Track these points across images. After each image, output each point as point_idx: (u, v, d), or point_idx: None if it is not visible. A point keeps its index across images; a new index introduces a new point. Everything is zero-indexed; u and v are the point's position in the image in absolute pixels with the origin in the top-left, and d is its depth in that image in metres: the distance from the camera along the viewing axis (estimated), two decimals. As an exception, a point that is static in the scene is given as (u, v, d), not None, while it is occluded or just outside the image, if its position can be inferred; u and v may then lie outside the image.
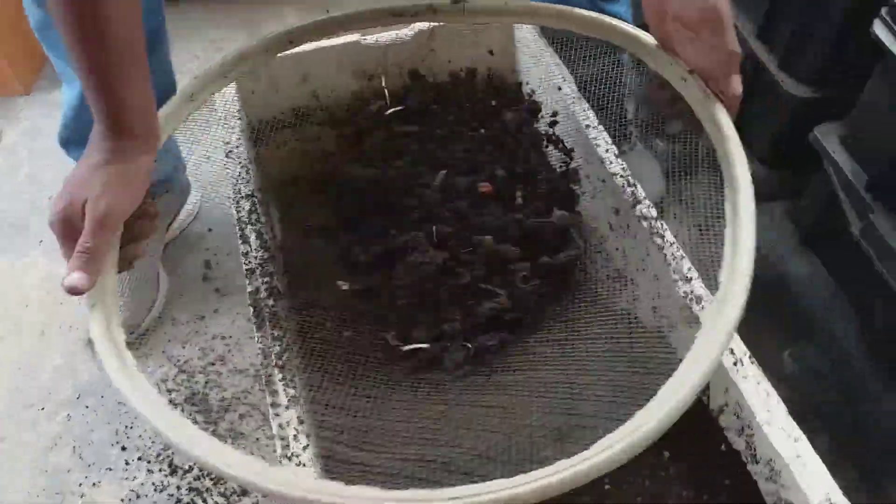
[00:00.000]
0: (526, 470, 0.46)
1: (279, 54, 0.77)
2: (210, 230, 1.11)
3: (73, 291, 0.52)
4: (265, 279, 0.69)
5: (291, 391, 0.61)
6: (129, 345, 0.93)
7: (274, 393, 0.61)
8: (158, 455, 0.87)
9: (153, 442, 0.88)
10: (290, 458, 0.58)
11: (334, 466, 0.60)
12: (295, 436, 0.58)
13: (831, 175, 0.83)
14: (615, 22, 0.75)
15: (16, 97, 1.36)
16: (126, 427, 0.89)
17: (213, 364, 0.95)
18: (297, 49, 0.92)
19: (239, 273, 1.04)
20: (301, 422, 0.59)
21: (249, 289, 0.68)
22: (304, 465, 0.57)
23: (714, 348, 0.53)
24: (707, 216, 0.85)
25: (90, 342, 0.94)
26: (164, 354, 0.96)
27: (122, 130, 0.55)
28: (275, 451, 0.58)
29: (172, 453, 0.86)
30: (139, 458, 0.87)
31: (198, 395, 0.91)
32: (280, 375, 0.61)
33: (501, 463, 0.60)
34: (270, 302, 0.67)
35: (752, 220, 0.59)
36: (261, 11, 1.53)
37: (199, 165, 1.00)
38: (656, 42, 0.71)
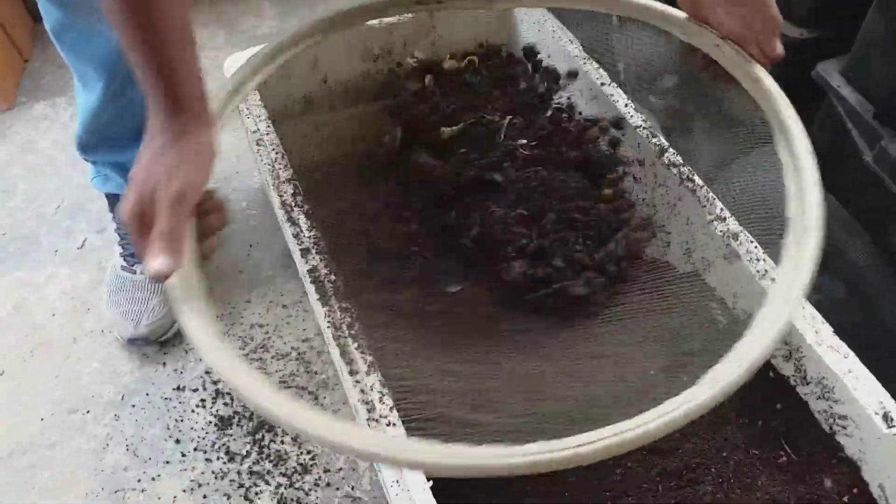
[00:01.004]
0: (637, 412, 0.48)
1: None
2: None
3: (159, 277, 0.50)
4: (321, 256, 0.70)
5: (369, 357, 0.63)
6: (166, 342, 0.96)
7: (351, 362, 0.63)
8: (214, 444, 0.88)
9: (206, 432, 0.89)
10: (377, 421, 0.60)
11: (432, 428, 0.61)
12: (381, 398, 0.60)
13: (837, 108, 0.87)
14: (646, 1, 0.77)
15: (0, 112, 1.34)
16: (176, 421, 0.90)
17: (254, 351, 0.96)
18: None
19: (264, 263, 1.06)
20: (383, 385, 0.61)
21: (307, 267, 0.70)
22: (393, 424, 0.59)
23: (802, 279, 0.55)
24: (711, 167, 0.89)
25: (128, 342, 0.96)
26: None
27: (180, 108, 0.54)
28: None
29: (228, 440, 0.88)
30: (195, 449, 0.88)
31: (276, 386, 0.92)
32: (356, 344, 0.63)
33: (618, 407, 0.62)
34: (332, 277, 0.68)
35: (812, 158, 0.62)
36: (238, 6, 1.53)
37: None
38: (685, 15, 0.73)
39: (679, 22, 0.74)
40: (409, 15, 0.99)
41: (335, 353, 0.64)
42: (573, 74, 0.95)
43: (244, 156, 1.16)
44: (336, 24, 0.78)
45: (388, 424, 0.59)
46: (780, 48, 0.68)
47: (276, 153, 0.81)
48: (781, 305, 0.53)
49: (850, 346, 0.69)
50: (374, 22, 0.98)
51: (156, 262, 0.50)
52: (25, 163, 1.25)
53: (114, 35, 0.75)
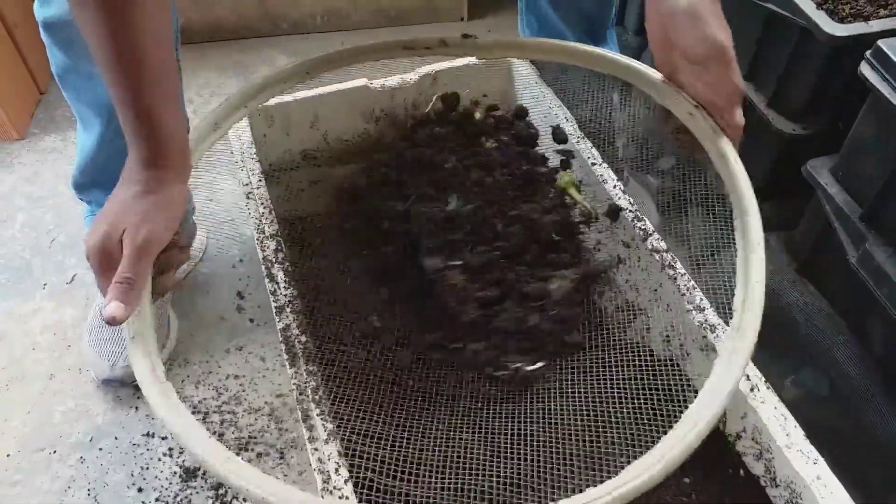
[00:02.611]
0: (556, 499, 0.49)
1: (297, 84, 0.80)
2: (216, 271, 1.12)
3: (113, 321, 0.52)
4: (295, 316, 0.70)
5: (329, 425, 0.62)
6: (139, 387, 0.95)
7: (311, 427, 0.62)
8: (176, 496, 0.87)
9: (170, 483, 0.88)
10: (331, 492, 0.59)
11: (375, 497, 0.61)
12: (336, 469, 0.59)
13: (825, 206, 0.87)
14: (622, 57, 0.80)
15: (10, 142, 1.36)
16: (142, 468, 0.89)
17: (227, 403, 0.95)
18: (308, 93, 0.96)
19: (249, 313, 1.06)
20: (341, 455, 0.60)
21: (280, 325, 0.70)
22: (346, 497, 0.58)
23: (734, 372, 0.56)
24: (702, 248, 0.89)
25: (102, 383, 0.95)
26: (179, 395, 0.95)
27: (158, 160, 0.56)
28: (315, 485, 0.59)
29: (191, 493, 0.86)
30: (156, 500, 0.86)
31: (214, 435, 0.91)
32: (318, 410, 0.63)
33: (534, 490, 0.62)
34: (303, 338, 0.68)
35: (762, 247, 0.63)
36: (251, 55, 1.57)
37: (203, 206, 1.01)
38: (662, 77, 0.75)
39: (656, 85, 0.75)
40: (412, 80, 1.01)
41: (299, 416, 0.64)
42: (568, 158, 0.96)
43: (239, 203, 1.17)
44: (318, 67, 0.81)
45: (342, 497, 0.58)
46: (739, 118, 0.69)
47: (264, 207, 0.81)
48: (699, 410, 0.53)
49: (827, 444, 0.68)
50: (377, 84, 1.01)
51: (111, 307, 0.52)
52: (28, 194, 1.27)
53: None
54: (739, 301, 0.61)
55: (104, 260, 0.54)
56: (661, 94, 0.75)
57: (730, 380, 0.56)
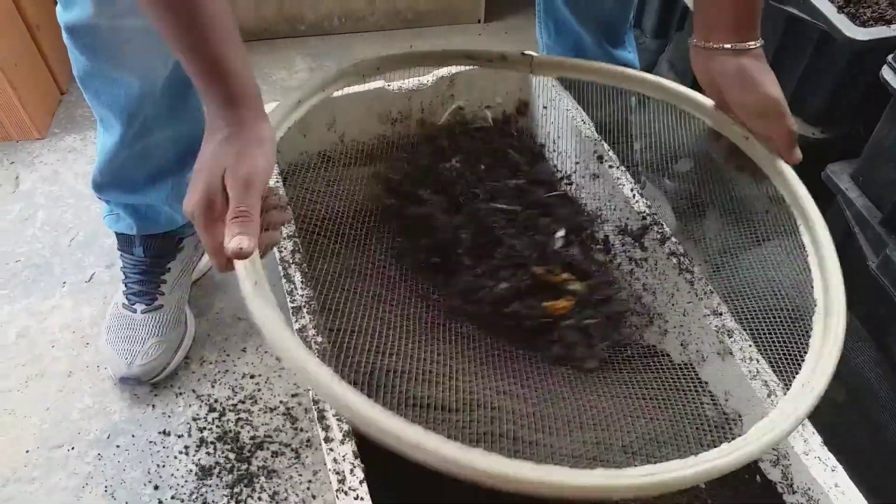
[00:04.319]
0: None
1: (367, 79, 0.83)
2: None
3: (239, 254, 0.51)
4: (312, 316, 0.70)
5: (345, 426, 0.62)
6: (158, 384, 0.96)
7: (327, 427, 0.62)
8: (192, 494, 0.87)
9: (186, 481, 0.88)
10: (346, 493, 0.59)
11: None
12: (352, 469, 0.60)
13: (845, 211, 0.87)
14: (676, 86, 0.82)
15: (31, 141, 1.38)
16: (158, 466, 0.90)
17: (243, 402, 0.96)
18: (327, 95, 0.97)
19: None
20: (356, 455, 0.61)
21: (297, 326, 0.70)
22: (361, 498, 0.58)
23: (833, 353, 0.59)
24: (719, 251, 0.88)
25: (120, 381, 0.96)
26: (195, 394, 0.97)
27: (235, 101, 0.56)
28: (330, 485, 0.60)
29: (206, 491, 0.87)
30: (172, 497, 0.87)
31: (229, 434, 0.92)
32: (333, 411, 0.63)
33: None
34: (319, 339, 0.68)
35: (831, 244, 0.67)
36: (269, 56, 1.57)
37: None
38: (715, 104, 0.77)
39: (710, 112, 0.78)
40: (429, 82, 1.02)
41: (314, 415, 0.64)
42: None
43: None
44: (387, 65, 0.84)
45: (357, 498, 0.58)
46: (798, 155, 0.73)
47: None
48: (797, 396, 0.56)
49: (844, 451, 0.67)
50: (394, 87, 1.01)
51: (235, 240, 0.51)
52: (49, 193, 1.28)
53: (135, 80, 0.79)
54: (821, 309, 0.63)
55: (210, 211, 0.53)
56: (716, 121, 0.77)
57: (831, 359, 0.58)
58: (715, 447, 0.51)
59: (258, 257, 0.54)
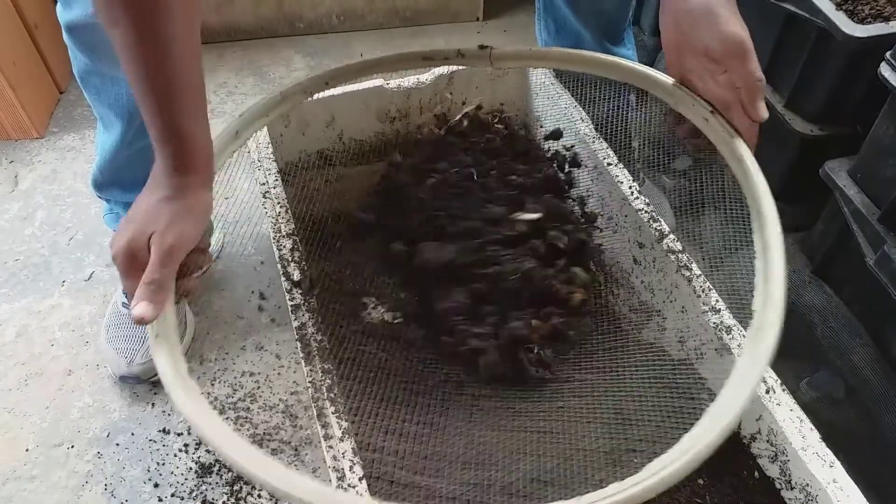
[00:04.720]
0: (581, 492, 0.49)
1: (315, 95, 0.81)
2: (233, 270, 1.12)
3: (141, 321, 0.54)
4: (311, 314, 0.71)
5: (344, 423, 0.62)
6: (158, 383, 0.96)
7: (326, 425, 0.62)
8: (192, 492, 0.87)
9: (186, 479, 0.89)
10: (346, 490, 0.59)
11: (394, 491, 0.61)
12: (351, 466, 0.60)
13: (843, 208, 0.87)
14: (634, 64, 0.80)
15: (30, 141, 1.38)
16: (158, 464, 0.90)
17: (243, 400, 0.96)
18: (325, 93, 0.97)
19: (263, 311, 1.07)
20: (355, 453, 0.61)
21: (296, 324, 0.70)
22: (360, 495, 0.59)
23: (754, 373, 0.56)
24: (718, 249, 0.89)
25: (119, 379, 0.96)
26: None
27: (184, 167, 0.57)
28: (330, 482, 0.60)
29: (206, 489, 0.87)
30: (172, 495, 0.87)
31: (237, 432, 0.92)
32: (332, 408, 0.63)
33: (558, 486, 0.62)
34: (318, 336, 0.68)
35: (782, 248, 0.62)
36: (268, 54, 1.57)
37: (219, 205, 1.02)
38: (675, 81, 0.75)
39: (668, 89, 0.75)
40: (427, 80, 1.02)
41: (314, 413, 0.64)
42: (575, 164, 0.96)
43: (256, 202, 1.18)
44: (336, 78, 0.82)
45: (357, 495, 0.58)
46: (763, 111, 0.68)
47: (281, 207, 0.82)
48: (721, 408, 0.53)
49: (842, 447, 0.68)
50: (393, 85, 1.01)
51: (140, 307, 0.54)
52: (47, 192, 1.28)
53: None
54: (760, 302, 0.61)
55: (131, 262, 0.55)
56: (676, 100, 0.75)
57: (751, 380, 0.56)
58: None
59: (171, 309, 0.58)
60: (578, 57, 0.84)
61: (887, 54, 0.79)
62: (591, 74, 0.86)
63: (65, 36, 0.75)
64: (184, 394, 0.54)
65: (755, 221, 0.66)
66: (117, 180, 0.93)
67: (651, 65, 1.29)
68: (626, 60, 0.81)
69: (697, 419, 0.54)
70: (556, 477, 0.62)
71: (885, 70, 0.79)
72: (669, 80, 0.75)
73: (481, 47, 0.86)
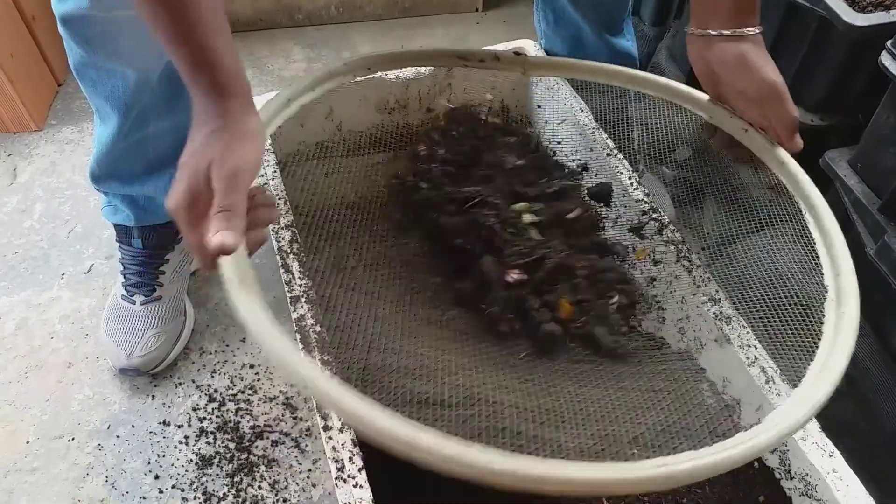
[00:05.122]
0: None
1: (358, 77, 0.84)
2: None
3: (222, 250, 0.49)
4: (310, 306, 0.70)
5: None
6: (158, 375, 0.97)
7: (326, 416, 0.63)
8: (192, 483, 0.87)
9: (186, 470, 0.89)
10: (345, 481, 0.59)
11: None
12: (350, 457, 0.60)
13: (843, 198, 0.86)
14: (675, 84, 0.82)
15: (28, 133, 1.37)
16: (158, 456, 0.90)
17: (242, 392, 0.96)
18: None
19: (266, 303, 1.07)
20: (355, 443, 0.61)
21: (295, 315, 0.70)
22: (360, 486, 0.59)
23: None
24: (717, 239, 0.88)
25: (119, 372, 0.96)
26: (195, 384, 0.97)
27: (223, 92, 0.54)
28: (329, 473, 0.60)
29: (207, 481, 0.87)
30: (173, 487, 0.87)
31: (229, 424, 0.92)
32: (332, 401, 0.63)
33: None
34: (318, 328, 0.68)
35: (843, 240, 0.66)
36: (267, 46, 1.57)
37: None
38: (710, 98, 0.77)
39: (706, 106, 0.78)
40: (426, 71, 1.01)
41: (314, 405, 0.64)
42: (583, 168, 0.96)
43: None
44: (380, 64, 0.85)
45: (356, 486, 0.58)
46: (799, 143, 0.73)
47: (280, 198, 0.82)
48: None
49: (842, 439, 0.68)
50: (392, 76, 1.01)
51: (219, 235, 0.49)
52: (46, 185, 1.28)
53: (131, 71, 0.79)
54: (833, 295, 0.63)
55: (193, 208, 0.51)
56: (714, 116, 0.78)
57: (838, 366, 0.56)
58: (727, 437, 0.49)
59: (244, 253, 0.52)
60: (613, 71, 0.86)
61: (888, 43, 0.79)
62: (625, 88, 0.88)
63: (60, 28, 0.75)
64: (280, 340, 0.48)
65: (806, 211, 0.71)
66: (115, 172, 0.92)
67: (651, 56, 1.29)
68: (665, 79, 0.83)
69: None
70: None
71: (885, 59, 0.79)
72: (705, 96, 0.78)
73: (516, 53, 0.88)
